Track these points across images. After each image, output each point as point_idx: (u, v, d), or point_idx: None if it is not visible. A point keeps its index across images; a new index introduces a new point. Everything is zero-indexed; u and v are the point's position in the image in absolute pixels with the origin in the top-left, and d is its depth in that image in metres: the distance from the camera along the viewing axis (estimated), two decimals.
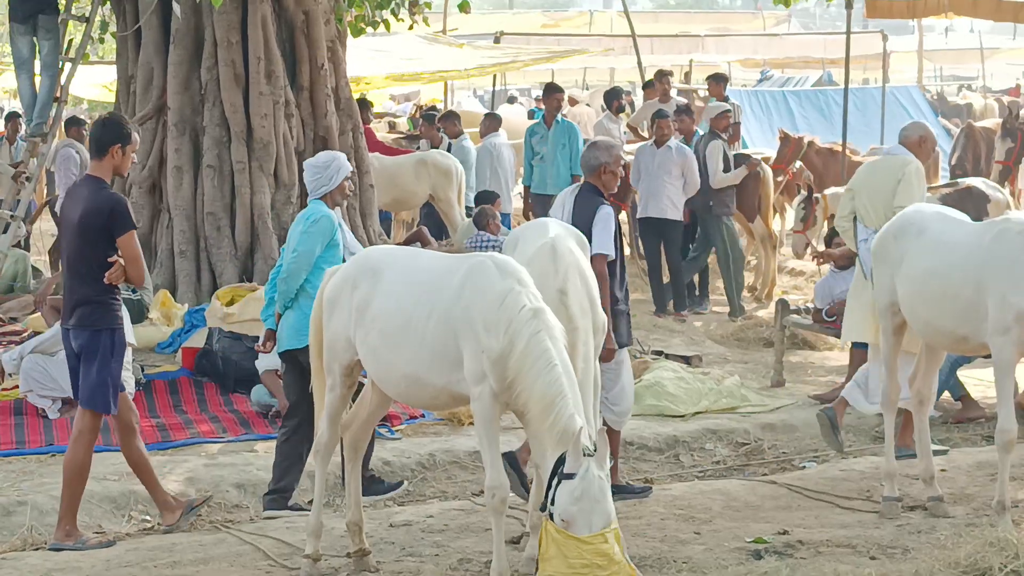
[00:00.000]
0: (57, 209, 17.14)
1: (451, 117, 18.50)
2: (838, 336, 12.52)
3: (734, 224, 15.38)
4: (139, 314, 12.66)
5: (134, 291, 12.22)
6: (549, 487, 6.45)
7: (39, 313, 12.89)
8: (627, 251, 15.34)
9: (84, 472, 8.25)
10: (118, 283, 8.05)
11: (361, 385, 7.72)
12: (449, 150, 17.48)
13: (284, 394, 10.67)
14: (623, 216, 14.79)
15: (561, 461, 6.42)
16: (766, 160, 16.79)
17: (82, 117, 21.74)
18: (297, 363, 8.77)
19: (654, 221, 15.16)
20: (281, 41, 14.46)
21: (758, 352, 13.71)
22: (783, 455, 10.65)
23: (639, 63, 25.37)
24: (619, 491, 8.18)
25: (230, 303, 12.61)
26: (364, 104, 17.76)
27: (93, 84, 22.89)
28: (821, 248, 13.39)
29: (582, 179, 9.08)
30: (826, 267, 13.12)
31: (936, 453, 9.21)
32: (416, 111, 26.49)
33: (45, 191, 21.99)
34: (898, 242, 8.38)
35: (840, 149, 18.33)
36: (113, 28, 16.08)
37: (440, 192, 16.69)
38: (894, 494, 8.59)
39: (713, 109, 15.78)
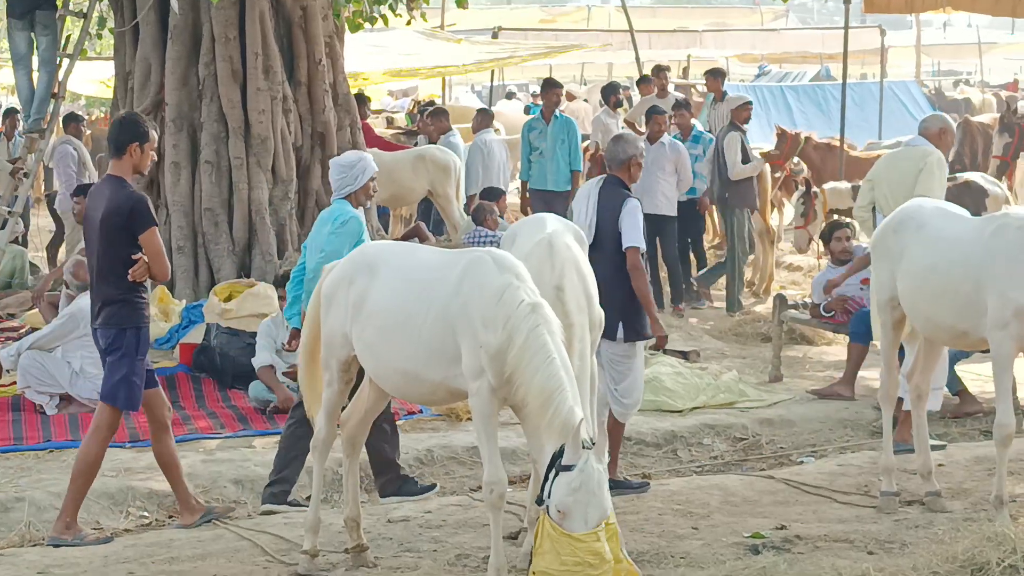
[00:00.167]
0: (57, 207, 17.22)
1: (439, 114, 18.50)
2: (836, 331, 12.54)
3: (746, 218, 15.27)
4: None
5: None
6: (546, 480, 6.43)
7: (36, 309, 12.90)
8: None
9: (95, 467, 8.27)
10: (142, 280, 8.07)
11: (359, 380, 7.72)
12: None
13: (283, 388, 10.72)
14: None
15: (559, 454, 6.39)
16: (764, 155, 16.78)
17: (80, 113, 21.73)
18: None
19: (649, 217, 15.08)
20: (279, 37, 14.45)
21: (756, 347, 13.71)
22: (781, 450, 10.65)
23: (637, 58, 25.38)
24: (617, 486, 8.17)
25: (228, 299, 12.61)
26: (361, 99, 17.75)
27: (91, 80, 22.88)
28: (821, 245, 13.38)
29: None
30: (824, 262, 13.11)
31: (934, 448, 9.21)
32: (414, 106, 26.50)
33: (43, 187, 22.02)
34: (897, 237, 8.38)
35: (838, 144, 18.34)
36: (111, 24, 16.08)
37: (438, 188, 16.66)
38: (892, 489, 8.59)
39: (735, 100, 15.68)
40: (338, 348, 7.40)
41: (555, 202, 15.13)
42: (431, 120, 18.29)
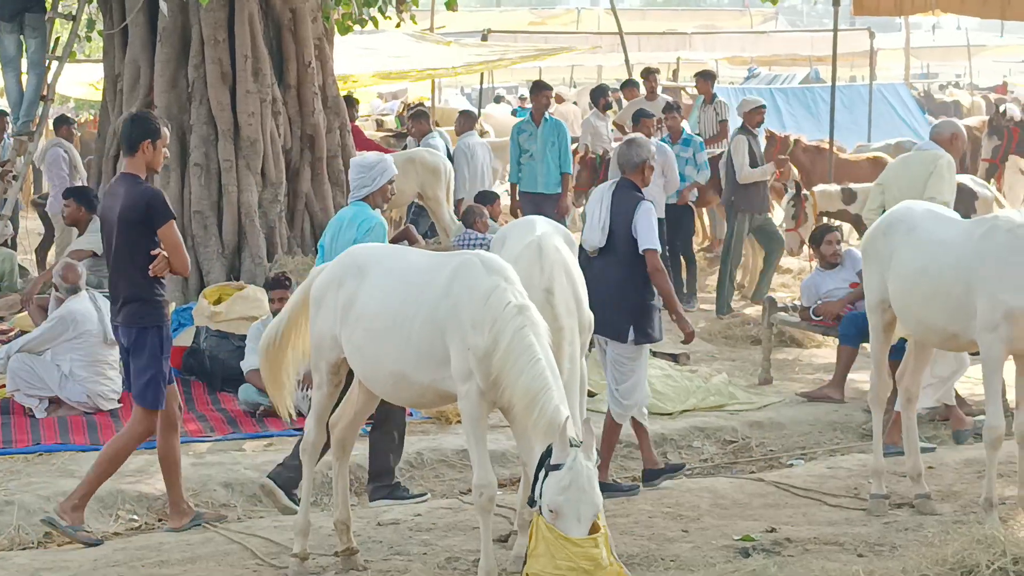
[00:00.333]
0: (48, 209, 17.17)
1: (419, 116, 18.49)
2: (825, 334, 12.56)
3: (745, 223, 15.21)
4: None
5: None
6: (536, 480, 6.41)
7: (26, 312, 12.85)
8: None
9: (117, 461, 8.35)
10: (163, 275, 8.13)
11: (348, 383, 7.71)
12: None
13: None
14: None
15: (547, 453, 6.37)
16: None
17: (69, 116, 21.70)
18: None
19: None
20: (268, 39, 14.44)
21: (746, 350, 13.72)
22: (771, 453, 10.66)
23: (626, 61, 25.36)
24: (607, 489, 8.16)
25: (217, 302, 12.57)
26: (350, 102, 17.73)
27: (80, 82, 22.83)
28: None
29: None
30: (813, 265, 13.12)
31: (924, 450, 9.23)
32: (403, 109, 26.47)
33: (32, 190, 21.97)
34: (888, 239, 8.39)
35: (827, 147, 18.34)
36: (100, 26, 16.05)
37: (428, 190, 16.64)
38: (882, 491, 8.61)
39: (747, 104, 15.63)
40: (327, 351, 7.38)
41: (545, 205, 15.12)
42: (412, 122, 18.33)
